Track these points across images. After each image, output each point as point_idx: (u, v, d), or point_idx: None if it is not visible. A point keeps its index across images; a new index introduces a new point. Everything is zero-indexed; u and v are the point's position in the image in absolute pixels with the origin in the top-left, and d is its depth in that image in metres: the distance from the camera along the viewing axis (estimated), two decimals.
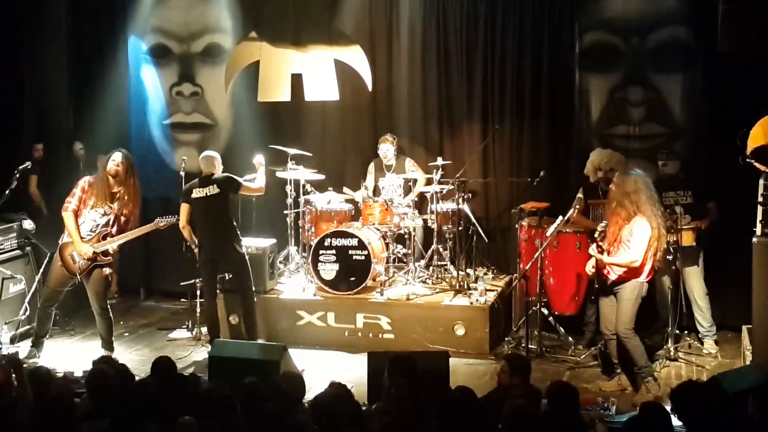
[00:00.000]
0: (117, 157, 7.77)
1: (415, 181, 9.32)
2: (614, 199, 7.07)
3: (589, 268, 7.27)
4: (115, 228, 7.80)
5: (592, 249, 7.13)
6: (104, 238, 7.78)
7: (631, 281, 7.02)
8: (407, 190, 9.18)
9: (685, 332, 8.31)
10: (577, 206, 7.83)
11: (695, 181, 8.10)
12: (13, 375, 5.35)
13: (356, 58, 9.36)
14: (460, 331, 8.21)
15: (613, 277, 7.06)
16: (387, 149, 9.28)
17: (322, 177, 9.21)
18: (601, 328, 7.33)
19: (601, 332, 7.41)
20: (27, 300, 8.51)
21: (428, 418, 4.91)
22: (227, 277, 8.54)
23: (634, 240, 6.91)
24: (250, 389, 5.17)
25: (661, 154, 8.25)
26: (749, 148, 7.18)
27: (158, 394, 5.24)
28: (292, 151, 9.04)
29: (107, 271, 7.90)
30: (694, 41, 8.65)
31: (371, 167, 9.50)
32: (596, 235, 7.11)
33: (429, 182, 9.08)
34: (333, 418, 4.75)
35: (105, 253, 7.80)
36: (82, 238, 7.71)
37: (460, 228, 8.85)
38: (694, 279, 8.11)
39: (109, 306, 8.06)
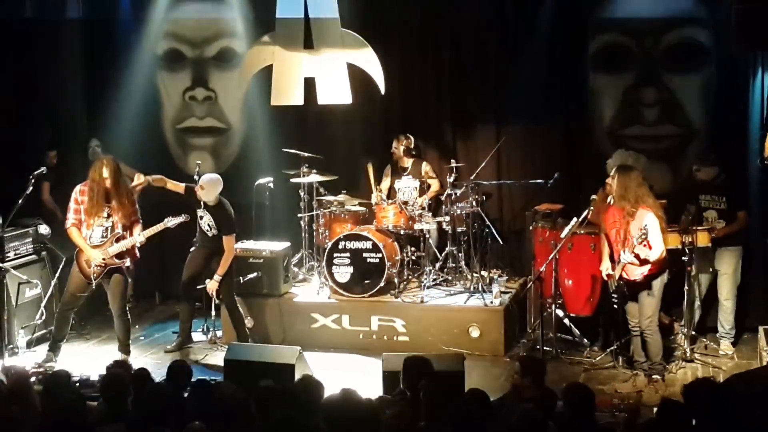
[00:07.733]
0: (105, 172, 7.73)
1: (428, 185, 9.32)
2: (616, 194, 7.11)
3: (605, 271, 7.22)
4: (120, 227, 7.83)
5: (626, 257, 7.05)
6: (117, 241, 7.83)
7: (659, 276, 7.08)
8: (422, 193, 9.15)
9: (702, 333, 8.28)
10: (592, 207, 7.80)
11: (730, 188, 8.01)
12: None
13: (368, 60, 9.35)
14: (475, 333, 8.20)
15: (638, 276, 7.04)
16: (394, 147, 9.31)
17: (334, 177, 9.22)
18: (631, 325, 7.35)
19: (630, 330, 7.40)
20: (43, 304, 8.56)
21: (442, 421, 4.88)
22: (242, 280, 8.55)
23: (651, 234, 6.89)
24: (265, 393, 5.17)
25: (697, 160, 8.15)
26: (767, 151, 7.14)
27: (173, 398, 5.24)
28: (305, 154, 9.05)
29: (128, 263, 7.94)
30: (707, 41, 8.62)
31: (387, 169, 9.50)
32: (636, 242, 6.98)
33: (442, 189, 9.08)
34: (347, 423, 4.73)
35: (118, 255, 7.84)
36: (96, 246, 7.77)
37: (474, 230, 8.84)
38: (724, 280, 8.04)
39: (128, 308, 8.12)
